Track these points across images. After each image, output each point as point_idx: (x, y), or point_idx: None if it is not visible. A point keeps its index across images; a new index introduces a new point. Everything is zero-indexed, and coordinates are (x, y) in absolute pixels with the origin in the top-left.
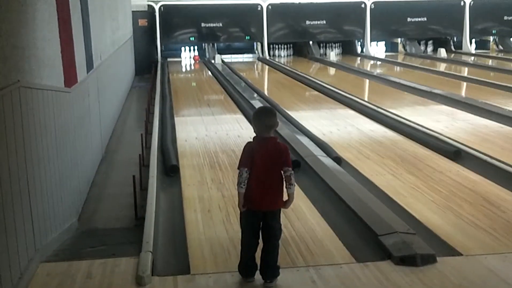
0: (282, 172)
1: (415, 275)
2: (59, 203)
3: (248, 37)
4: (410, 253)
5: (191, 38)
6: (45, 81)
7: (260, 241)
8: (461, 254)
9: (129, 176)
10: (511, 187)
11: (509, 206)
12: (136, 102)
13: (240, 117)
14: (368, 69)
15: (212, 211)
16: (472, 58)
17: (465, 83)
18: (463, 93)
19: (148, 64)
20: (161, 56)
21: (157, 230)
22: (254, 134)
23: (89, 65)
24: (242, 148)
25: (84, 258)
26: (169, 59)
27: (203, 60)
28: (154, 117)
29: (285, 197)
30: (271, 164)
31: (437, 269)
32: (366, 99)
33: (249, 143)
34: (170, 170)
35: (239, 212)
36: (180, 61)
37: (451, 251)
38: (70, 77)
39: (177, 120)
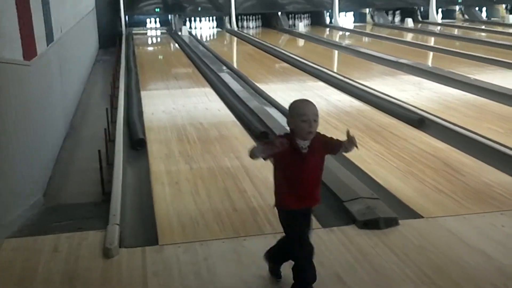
0: None
1: (378, 238)
2: (22, 179)
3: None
4: (373, 217)
5: (156, 10)
6: (2, 53)
7: None
8: (423, 217)
9: (95, 151)
10: (472, 152)
11: (469, 170)
12: (101, 76)
13: (208, 90)
14: (337, 40)
15: (180, 183)
16: (439, 27)
17: (431, 53)
18: (429, 63)
19: (113, 37)
20: (126, 28)
21: (124, 203)
22: (224, 107)
23: (49, 37)
24: (210, 121)
25: (50, 233)
26: (134, 31)
27: (169, 32)
28: (119, 91)
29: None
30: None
31: (399, 231)
32: (335, 70)
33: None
34: (137, 144)
35: (207, 183)
36: (146, 33)
37: (414, 215)
38: (29, 50)
39: (143, 93)
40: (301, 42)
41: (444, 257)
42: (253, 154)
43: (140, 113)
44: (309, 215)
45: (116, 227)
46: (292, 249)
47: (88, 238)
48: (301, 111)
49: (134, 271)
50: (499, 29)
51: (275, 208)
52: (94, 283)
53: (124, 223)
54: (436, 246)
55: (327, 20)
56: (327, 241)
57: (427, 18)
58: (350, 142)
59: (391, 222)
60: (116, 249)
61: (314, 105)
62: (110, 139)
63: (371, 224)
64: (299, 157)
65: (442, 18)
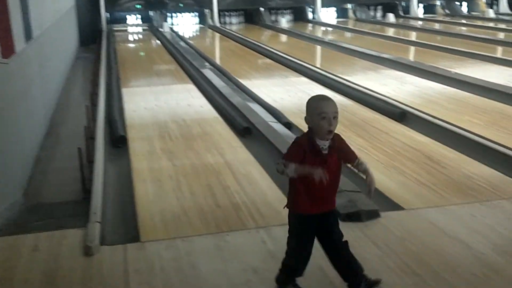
0: None
1: (360, 230)
2: (1, 178)
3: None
4: (355, 210)
5: (137, 6)
6: None
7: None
8: (404, 209)
9: (76, 149)
10: (452, 145)
11: (449, 162)
12: (81, 74)
13: (191, 86)
14: (320, 35)
15: (162, 180)
16: (420, 22)
17: (413, 47)
18: (411, 57)
19: (93, 34)
20: (106, 25)
21: (105, 201)
22: (206, 103)
23: (28, 35)
24: (192, 117)
25: (30, 232)
26: (115, 28)
27: (151, 29)
28: (100, 88)
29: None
30: None
31: (381, 223)
32: (317, 65)
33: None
34: (118, 141)
35: (190, 180)
36: (127, 30)
37: (395, 207)
38: (6, 48)
39: (124, 90)
40: (283, 37)
41: (425, 248)
42: (283, 173)
43: (121, 110)
44: (327, 218)
45: (97, 225)
46: (290, 248)
47: (68, 237)
48: (319, 109)
49: (116, 268)
50: (479, 23)
51: (285, 208)
52: (75, 281)
53: (105, 221)
54: (417, 237)
55: (310, 15)
56: None
57: (409, 13)
58: (365, 172)
59: (372, 214)
60: (97, 247)
61: (333, 101)
62: (90, 137)
63: (353, 216)
64: (320, 159)
65: (424, 13)
